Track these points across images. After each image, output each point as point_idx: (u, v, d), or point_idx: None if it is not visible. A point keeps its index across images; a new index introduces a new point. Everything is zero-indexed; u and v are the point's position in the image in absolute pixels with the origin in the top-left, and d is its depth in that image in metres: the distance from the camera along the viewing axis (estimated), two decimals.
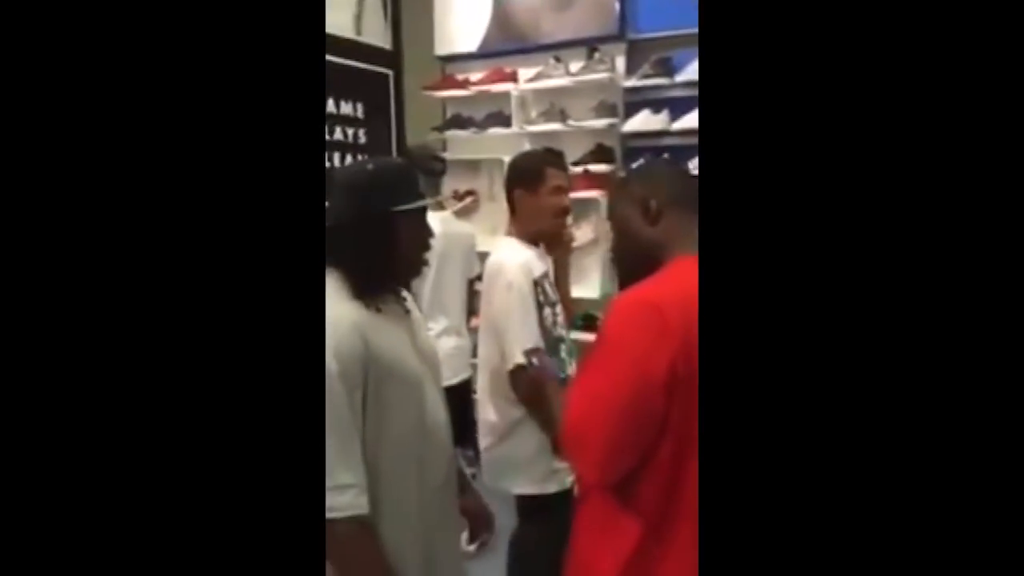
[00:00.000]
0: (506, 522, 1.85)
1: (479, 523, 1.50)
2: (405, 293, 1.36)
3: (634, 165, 1.21)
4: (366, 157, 1.71)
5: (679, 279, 1.05)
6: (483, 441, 1.98)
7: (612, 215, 1.22)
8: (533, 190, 1.90)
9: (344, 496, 1.07)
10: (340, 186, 1.19)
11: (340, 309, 1.15)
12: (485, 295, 1.93)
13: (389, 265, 1.23)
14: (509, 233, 2.00)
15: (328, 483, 1.04)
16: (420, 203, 1.22)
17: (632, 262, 1.17)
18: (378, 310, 1.21)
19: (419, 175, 1.28)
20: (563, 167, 1.97)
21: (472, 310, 2.72)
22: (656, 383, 0.98)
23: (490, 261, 1.93)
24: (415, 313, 1.38)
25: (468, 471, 1.68)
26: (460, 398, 2.55)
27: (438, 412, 1.31)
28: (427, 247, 1.28)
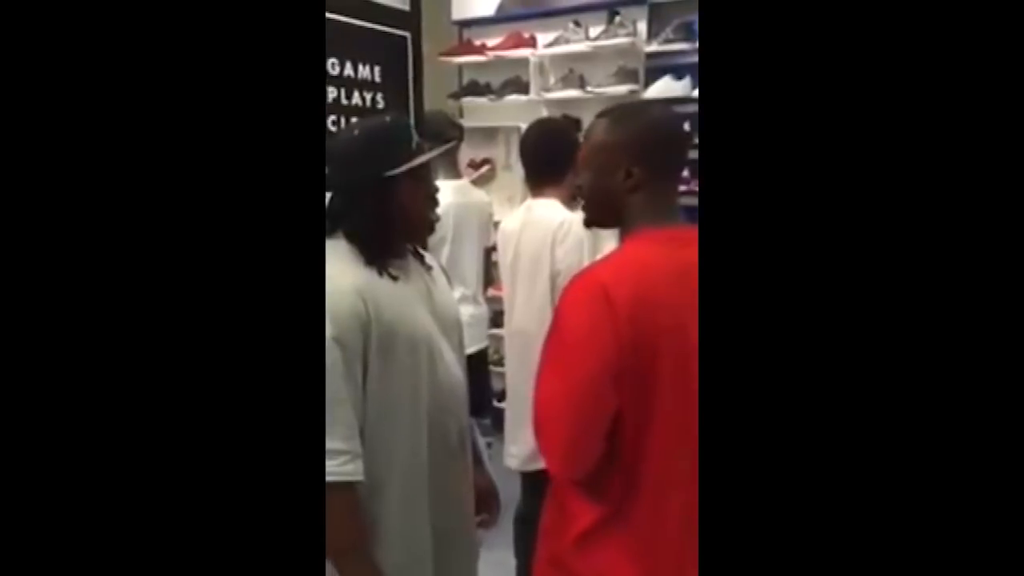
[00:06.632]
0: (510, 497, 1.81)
1: (484, 502, 1.49)
2: (425, 253, 1.35)
3: (623, 104, 1.12)
4: (356, 121, 1.68)
5: (636, 256, 1.04)
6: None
7: (592, 157, 1.12)
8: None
9: (331, 461, 1.08)
10: (334, 155, 1.17)
11: (344, 275, 1.15)
12: (536, 253, 1.87)
13: (393, 229, 1.22)
14: (542, 196, 1.97)
15: None
16: (413, 163, 1.19)
17: (600, 213, 1.14)
18: (393, 277, 1.20)
19: (412, 130, 1.23)
20: None
21: (489, 279, 2.70)
22: (606, 372, 0.98)
23: (546, 217, 1.89)
24: (436, 272, 1.36)
25: (485, 440, 1.67)
26: (477, 367, 2.54)
27: (453, 374, 1.30)
28: (431, 205, 1.25)
